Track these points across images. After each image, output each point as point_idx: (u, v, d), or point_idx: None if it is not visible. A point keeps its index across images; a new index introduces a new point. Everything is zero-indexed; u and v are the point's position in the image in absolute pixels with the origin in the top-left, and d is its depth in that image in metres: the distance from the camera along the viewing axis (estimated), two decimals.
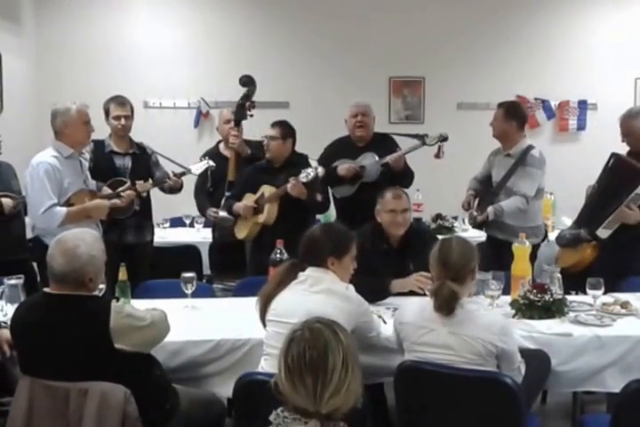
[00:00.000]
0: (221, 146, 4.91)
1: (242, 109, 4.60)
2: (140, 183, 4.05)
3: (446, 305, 2.52)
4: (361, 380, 1.78)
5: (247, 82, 4.61)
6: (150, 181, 4.16)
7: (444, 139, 4.41)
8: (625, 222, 3.71)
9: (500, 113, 4.30)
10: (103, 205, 3.82)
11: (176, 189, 4.38)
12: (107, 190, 4.00)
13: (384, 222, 3.51)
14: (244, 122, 4.75)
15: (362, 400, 1.80)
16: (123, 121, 4.24)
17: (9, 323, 2.58)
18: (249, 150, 4.65)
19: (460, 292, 2.55)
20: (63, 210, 3.65)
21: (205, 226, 5.16)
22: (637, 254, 3.75)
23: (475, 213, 4.16)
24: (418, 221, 4.92)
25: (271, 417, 1.73)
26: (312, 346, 1.74)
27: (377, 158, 4.42)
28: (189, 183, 4.66)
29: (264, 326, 2.71)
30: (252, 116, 4.63)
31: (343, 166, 4.43)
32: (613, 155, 3.90)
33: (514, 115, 4.31)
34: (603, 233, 3.76)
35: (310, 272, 2.70)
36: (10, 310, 2.93)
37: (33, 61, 6.33)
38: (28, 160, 3.96)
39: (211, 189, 4.77)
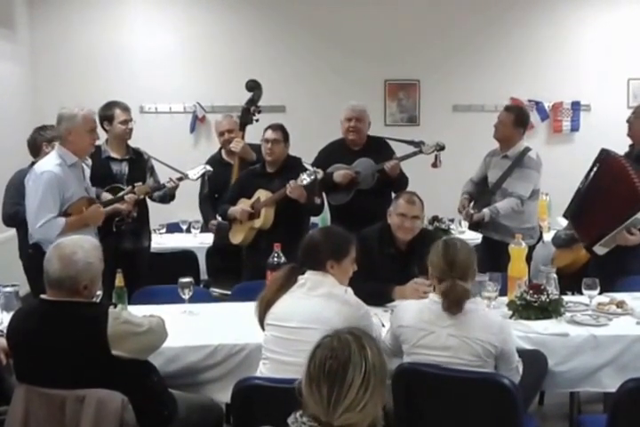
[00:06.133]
0: (223, 152, 4.87)
1: (247, 114, 4.63)
2: (138, 186, 4.02)
3: (457, 304, 2.53)
4: (382, 402, 1.70)
5: (253, 86, 4.65)
6: (148, 184, 4.14)
7: (440, 148, 4.38)
8: (623, 245, 3.64)
9: (510, 119, 4.24)
10: (99, 212, 3.74)
11: (168, 197, 4.38)
12: (107, 196, 4.00)
13: (392, 225, 3.48)
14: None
15: (383, 423, 1.71)
16: (130, 125, 4.24)
17: (5, 331, 2.56)
18: (254, 155, 4.58)
19: (469, 290, 2.57)
20: (62, 221, 3.55)
21: (203, 231, 5.16)
22: (633, 254, 3.75)
23: (471, 211, 4.11)
24: (430, 229, 4.80)
25: (289, 420, 1.68)
26: (334, 356, 1.67)
27: (373, 164, 4.38)
28: (184, 189, 4.65)
29: (263, 329, 2.69)
30: (257, 120, 4.63)
31: (339, 173, 4.38)
32: (603, 151, 3.88)
33: (523, 122, 4.31)
34: (599, 250, 3.71)
35: (309, 275, 2.69)
36: (6, 317, 2.91)
37: (27, 67, 6.33)
38: (21, 167, 3.96)
39: (216, 196, 4.72)
